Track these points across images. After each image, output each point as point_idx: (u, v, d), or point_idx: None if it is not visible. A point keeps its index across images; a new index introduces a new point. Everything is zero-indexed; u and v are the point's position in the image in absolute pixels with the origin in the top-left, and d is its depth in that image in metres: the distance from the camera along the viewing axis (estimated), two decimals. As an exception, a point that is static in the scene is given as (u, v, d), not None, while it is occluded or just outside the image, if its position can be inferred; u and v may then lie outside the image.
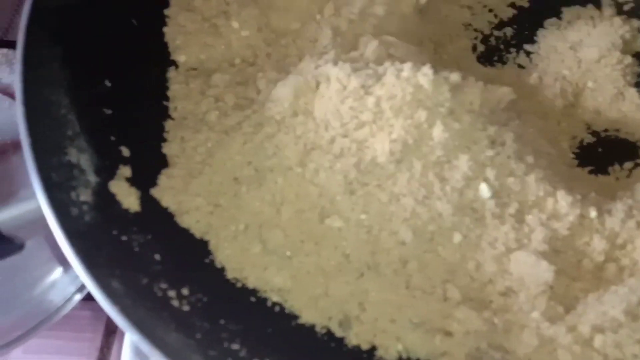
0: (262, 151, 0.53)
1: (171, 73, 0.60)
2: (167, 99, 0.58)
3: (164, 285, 0.47)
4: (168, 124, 0.57)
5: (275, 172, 0.52)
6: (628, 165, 0.58)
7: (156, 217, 0.51)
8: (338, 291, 0.50)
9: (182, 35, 0.60)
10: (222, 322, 0.47)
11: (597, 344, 0.45)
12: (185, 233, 0.52)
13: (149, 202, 0.52)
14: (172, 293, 0.47)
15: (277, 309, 0.50)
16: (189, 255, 0.51)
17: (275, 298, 0.51)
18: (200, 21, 0.60)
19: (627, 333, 0.45)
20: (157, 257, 0.49)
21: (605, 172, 0.57)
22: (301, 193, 0.52)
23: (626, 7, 0.64)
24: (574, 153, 0.58)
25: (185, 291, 0.48)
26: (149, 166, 0.54)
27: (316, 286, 0.50)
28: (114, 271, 0.45)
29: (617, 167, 0.58)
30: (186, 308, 0.47)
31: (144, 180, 0.52)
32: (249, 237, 0.52)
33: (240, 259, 0.52)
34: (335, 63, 0.52)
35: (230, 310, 0.49)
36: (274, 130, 0.53)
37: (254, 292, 0.51)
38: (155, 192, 0.53)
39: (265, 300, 0.51)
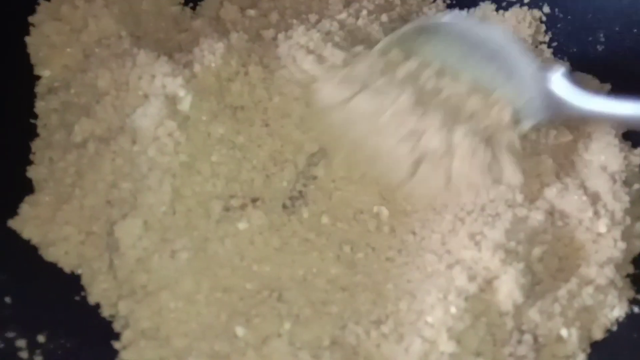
0: (135, 168, 0.46)
1: (38, 87, 0.53)
2: (34, 116, 0.51)
3: (11, 334, 0.40)
4: (35, 144, 0.51)
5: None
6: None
7: (12, 252, 0.44)
8: None
9: (46, 47, 0.53)
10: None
11: None
12: (51, 268, 0.45)
13: (2, 237, 0.44)
14: (21, 342, 0.40)
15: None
16: (53, 294, 0.44)
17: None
18: (67, 32, 0.53)
19: None
20: (8, 300, 0.42)
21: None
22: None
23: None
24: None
25: (41, 338, 0.41)
26: (6, 194, 0.47)
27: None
28: None
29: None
30: (38, 359, 0.39)
31: (-1, 211, 0.45)
32: (129, 268, 0.45)
33: (118, 292, 0.44)
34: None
35: (103, 354, 0.42)
36: (146, 144, 0.46)
37: (135, 330, 0.44)
38: (14, 223, 0.46)
39: (149, 337, 0.44)
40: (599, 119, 0.50)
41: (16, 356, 0.39)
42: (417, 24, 0.52)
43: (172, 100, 0.46)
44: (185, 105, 0.47)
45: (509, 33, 0.55)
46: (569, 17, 0.59)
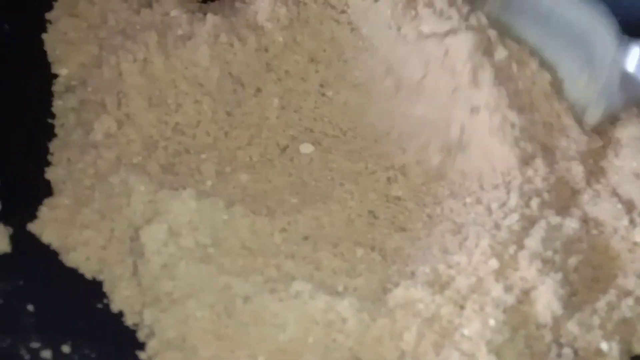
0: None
1: (56, 86, 0.51)
2: (52, 115, 0.50)
3: (35, 345, 0.38)
4: (53, 145, 0.49)
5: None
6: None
7: (31, 258, 0.43)
8: None
9: (63, 44, 0.51)
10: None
11: None
12: (72, 274, 0.43)
13: (22, 241, 0.43)
14: (46, 353, 0.38)
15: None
16: (75, 302, 0.42)
17: (185, 344, 0.42)
18: (84, 29, 0.51)
19: None
20: (30, 307, 0.40)
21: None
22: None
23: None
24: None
25: (66, 349, 0.39)
26: (26, 197, 0.45)
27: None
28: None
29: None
30: (64, 371, 0.38)
31: (17, 214, 0.44)
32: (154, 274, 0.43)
33: (143, 300, 0.43)
34: None
35: (128, 364, 0.40)
36: None
37: (159, 339, 0.42)
38: (33, 227, 0.44)
39: (173, 347, 0.42)
40: None
41: (42, 368, 0.37)
42: None
43: None
44: None
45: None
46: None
